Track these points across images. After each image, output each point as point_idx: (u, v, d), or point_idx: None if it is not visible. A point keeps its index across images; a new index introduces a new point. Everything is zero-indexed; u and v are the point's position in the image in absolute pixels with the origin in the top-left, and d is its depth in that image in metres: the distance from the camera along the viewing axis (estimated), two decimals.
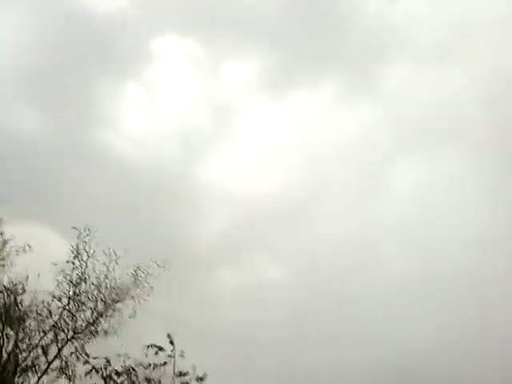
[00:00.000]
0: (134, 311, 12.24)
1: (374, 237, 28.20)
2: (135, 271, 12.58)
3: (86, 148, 25.71)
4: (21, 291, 12.00)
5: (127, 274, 12.44)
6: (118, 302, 12.46)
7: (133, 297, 12.40)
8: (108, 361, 12.65)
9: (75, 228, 12.48)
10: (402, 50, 31.66)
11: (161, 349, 12.93)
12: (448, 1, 30.38)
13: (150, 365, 12.96)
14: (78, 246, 12.50)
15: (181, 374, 13.03)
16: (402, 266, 26.04)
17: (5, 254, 11.72)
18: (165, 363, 13.02)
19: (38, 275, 11.74)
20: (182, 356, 12.79)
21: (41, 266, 11.46)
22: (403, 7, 30.25)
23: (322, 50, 31.34)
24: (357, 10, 31.13)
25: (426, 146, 30.57)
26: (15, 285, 11.99)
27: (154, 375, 12.94)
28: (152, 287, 12.47)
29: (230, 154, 32.15)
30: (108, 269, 12.39)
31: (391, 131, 30.69)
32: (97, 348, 12.21)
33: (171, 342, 12.92)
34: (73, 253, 12.45)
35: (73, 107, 26.56)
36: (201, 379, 13.29)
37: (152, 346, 12.92)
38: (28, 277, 11.91)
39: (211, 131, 31.80)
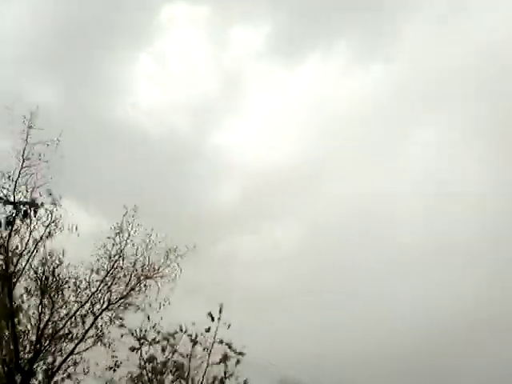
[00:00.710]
0: (171, 289, 12.89)
1: (388, 202, 28.27)
2: (167, 252, 13.15)
3: (100, 120, 25.70)
4: (58, 263, 12.54)
5: (157, 252, 13.08)
6: (149, 278, 13.08)
7: (163, 276, 13.04)
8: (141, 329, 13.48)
9: (124, 206, 12.96)
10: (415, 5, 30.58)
11: (213, 318, 13.71)
12: None
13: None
14: (122, 223, 13.05)
15: (223, 342, 13.80)
16: (417, 231, 26.25)
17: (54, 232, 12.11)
18: (209, 328, 13.92)
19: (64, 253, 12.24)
20: (228, 327, 13.63)
21: (77, 241, 12.04)
22: None
23: (334, 10, 30.40)
24: None
25: (442, 106, 30.02)
26: (53, 256, 12.49)
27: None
28: (181, 269, 13.07)
29: (242, 121, 31.91)
30: (143, 246, 13.00)
31: (406, 91, 30.12)
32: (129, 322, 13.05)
33: (220, 311, 13.72)
34: (115, 229, 12.99)
35: (85, 80, 26.34)
36: (240, 353, 14.04)
37: (208, 314, 13.86)
38: (64, 250, 12.48)
39: (222, 100, 31.49)
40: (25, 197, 12.35)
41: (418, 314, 21.47)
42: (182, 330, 14.20)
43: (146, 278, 13.06)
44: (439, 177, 27.07)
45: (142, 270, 13.09)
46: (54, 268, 12.64)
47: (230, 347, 14.03)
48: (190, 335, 14.19)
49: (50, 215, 12.39)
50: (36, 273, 12.42)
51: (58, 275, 12.55)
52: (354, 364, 20.08)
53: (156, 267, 13.15)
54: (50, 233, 12.44)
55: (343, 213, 28.03)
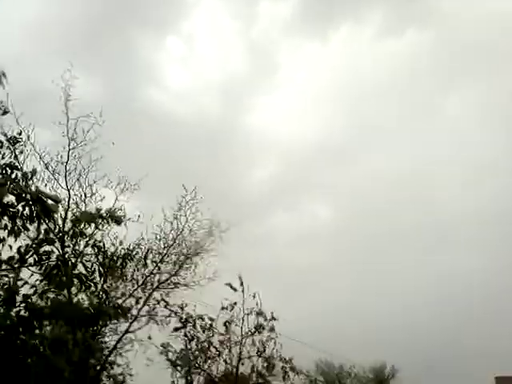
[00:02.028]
0: (215, 269, 13.04)
1: (427, 172, 27.71)
2: (210, 227, 13.37)
3: (133, 105, 25.92)
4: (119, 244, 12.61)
5: (201, 229, 13.23)
6: (196, 255, 13.36)
7: (207, 251, 13.21)
8: (182, 307, 13.74)
9: (184, 187, 13.07)
10: None
11: (234, 289, 13.92)
12: None
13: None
14: (180, 205, 13.18)
15: (258, 314, 13.97)
16: (459, 200, 25.63)
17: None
18: (235, 303, 14.07)
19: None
20: (253, 297, 13.71)
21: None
22: None
23: None
24: None
25: (477, 75, 28.86)
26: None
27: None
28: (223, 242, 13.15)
29: (274, 98, 31.54)
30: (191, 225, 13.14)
31: (442, 59, 28.98)
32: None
33: (241, 283, 13.86)
34: (175, 212, 13.12)
35: (115, 67, 26.57)
36: (274, 318, 14.18)
37: (228, 284, 14.08)
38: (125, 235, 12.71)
39: (253, 78, 31.15)
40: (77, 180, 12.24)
41: (459, 286, 21.08)
42: (223, 308, 14.36)
43: (193, 255, 13.32)
44: (477, 143, 26.00)
45: (190, 248, 13.36)
46: (116, 249, 12.85)
47: (259, 315, 14.08)
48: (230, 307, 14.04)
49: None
50: (98, 253, 12.61)
51: (119, 256, 12.81)
52: (391, 345, 20.04)
53: (201, 244, 13.39)
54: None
55: (380, 185, 27.48)
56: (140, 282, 12.68)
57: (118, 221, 10.95)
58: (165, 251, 12.93)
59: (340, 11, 29.65)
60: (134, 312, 12.84)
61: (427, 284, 22.69)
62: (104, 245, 11.93)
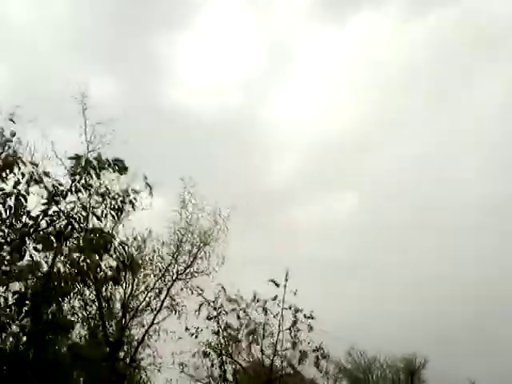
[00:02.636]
0: (223, 256, 13.34)
1: (449, 160, 27.02)
2: (213, 216, 13.75)
3: (152, 104, 26.41)
4: (142, 242, 13.31)
5: (209, 219, 13.63)
6: (206, 244, 13.73)
7: (216, 239, 13.48)
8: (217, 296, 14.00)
9: (181, 179, 13.49)
10: None
11: (277, 284, 14.10)
12: None
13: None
14: (184, 196, 13.62)
15: (296, 311, 14.08)
16: (479, 190, 24.99)
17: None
18: (275, 297, 14.37)
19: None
20: (295, 294, 13.91)
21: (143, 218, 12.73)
22: None
23: None
24: None
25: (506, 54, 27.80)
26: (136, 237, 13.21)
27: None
28: (228, 229, 13.49)
29: (293, 91, 31.34)
30: (199, 215, 13.57)
31: (469, 41, 28.03)
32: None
33: (286, 279, 14.07)
34: (181, 202, 13.58)
35: (136, 67, 27.20)
36: (311, 317, 14.19)
37: (271, 280, 14.28)
38: (150, 231, 13.21)
39: (272, 69, 31.06)
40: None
41: (479, 274, 20.53)
42: (254, 298, 14.55)
43: (204, 244, 13.69)
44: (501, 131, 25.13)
45: (200, 239, 13.77)
46: (138, 246, 13.31)
47: (297, 311, 14.18)
48: (263, 302, 14.38)
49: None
50: (120, 252, 13.07)
51: (141, 252, 13.29)
52: (419, 336, 19.74)
53: (209, 233, 13.76)
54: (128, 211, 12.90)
55: (401, 178, 26.99)
56: (160, 275, 13.13)
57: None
58: (178, 242, 13.42)
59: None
60: (156, 304, 13.31)
61: (454, 271, 22.06)
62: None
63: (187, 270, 13.56)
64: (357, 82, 30.05)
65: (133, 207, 11.88)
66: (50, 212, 9.48)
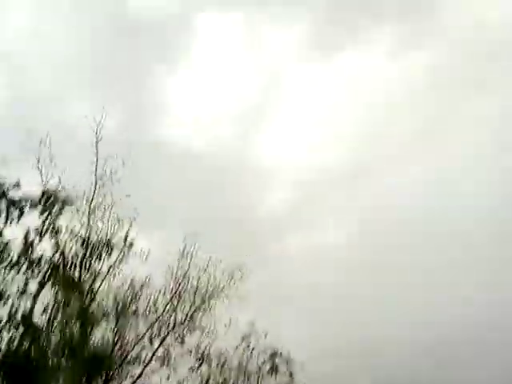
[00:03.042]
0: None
1: (440, 192, 26.99)
2: (232, 271, 13.02)
3: (146, 139, 25.87)
4: (139, 289, 12.63)
5: (221, 271, 12.85)
6: (213, 298, 12.94)
7: (227, 295, 12.73)
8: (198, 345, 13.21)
9: (185, 233, 12.98)
10: None
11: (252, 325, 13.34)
12: None
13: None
14: (185, 247, 13.10)
15: (272, 356, 13.39)
16: (472, 222, 24.91)
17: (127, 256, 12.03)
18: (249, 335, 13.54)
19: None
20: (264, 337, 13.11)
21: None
22: None
23: (369, 3, 29.29)
24: None
25: (491, 87, 28.27)
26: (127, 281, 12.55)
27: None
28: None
29: (285, 123, 31.38)
30: (205, 266, 12.77)
31: (456, 72, 28.54)
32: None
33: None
34: (180, 253, 13.05)
35: (130, 99, 26.78)
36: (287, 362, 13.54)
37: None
38: (148, 277, 12.51)
39: (264, 102, 31.09)
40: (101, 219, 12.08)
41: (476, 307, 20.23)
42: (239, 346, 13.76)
43: (210, 297, 12.87)
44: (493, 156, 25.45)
45: (206, 291, 12.95)
46: (130, 293, 12.56)
47: (275, 355, 13.46)
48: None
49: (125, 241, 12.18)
50: (112, 298, 12.31)
51: (133, 300, 12.49)
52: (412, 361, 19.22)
53: (221, 286, 12.95)
54: (123, 257, 12.22)
55: (394, 206, 26.89)
56: (152, 324, 12.28)
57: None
58: (176, 291, 12.62)
59: (350, 32, 29.58)
60: (147, 354, 12.44)
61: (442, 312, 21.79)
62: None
63: (185, 322, 12.80)
64: (345, 117, 30.31)
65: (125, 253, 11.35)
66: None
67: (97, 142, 11.60)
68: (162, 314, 12.57)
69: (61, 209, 10.94)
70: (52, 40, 25.17)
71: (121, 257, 11.63)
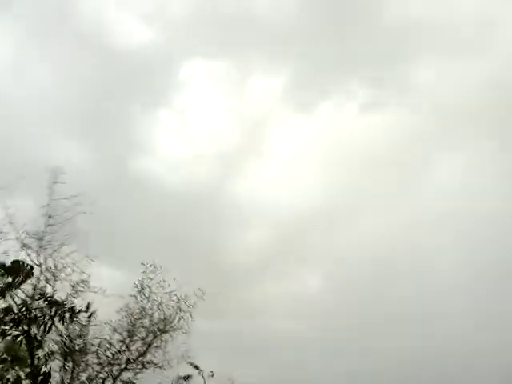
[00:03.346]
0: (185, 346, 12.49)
1: (417, 236, 27.67)
2: (178, 302, 12.88)
3: (125, 176, 26.56)
4: (86, 323, 12.41)
5: (172, 305, 12.80)
6: (164, 332, 12.81)
7: (176, 328, 12.68)
8: None
9: (143, 264, 12.88)
10: (430, 41, 31.07)
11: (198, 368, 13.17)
12: None
13: None
14: (142, 281, 12.90)
15: None
16: (450, 265, 25.42)
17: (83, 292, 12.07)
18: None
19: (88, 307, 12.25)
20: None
21: (97, 297, 12.09)
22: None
23: (349, 53, 31.18)
24: (377, 6, 30.90)
25: (463, 139, 29.78)
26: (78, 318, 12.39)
27: None
28: (193, 318, 12.70)
29: (264, 167, 32.33)
30: (161, 301, 12.81)
31: (428, 126, 30.15)
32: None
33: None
34: (137, 287, 12.88)
35: (109, 138, 27.64)
36: None
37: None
38: (94, 312, 12.38)
39: (244, 147, 32.19)
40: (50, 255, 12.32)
41: (452, 349, 20.16)
42: None
43: (162, 332, 12.78)
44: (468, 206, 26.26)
45: (158, 325, 12.86)
46: (79, 330, 12.52)
47: None
48: None
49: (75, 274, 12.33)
50: (61, 335, 12.31)
51: (83, 337, 12.43)
52: None
53: (170, 320, 12.87)
54: (76, 292, 12.35)
55: (374, 251, 27.29)
56: (105, 364, 12.14)
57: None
58: (131, 328, 12.52)
59: (326, 84, 31.24)
60: None
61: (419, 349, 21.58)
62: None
63: (139, 360, 12.55)
64: (324, 162, 31.39)
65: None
66: None
67: (54, 182, 11.92)
68: (117, 352, 12.44)
69: None
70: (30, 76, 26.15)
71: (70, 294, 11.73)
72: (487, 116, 27.88)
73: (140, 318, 12.73)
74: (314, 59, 30.70)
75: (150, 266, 12.88)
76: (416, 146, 29.16)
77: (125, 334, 12.63)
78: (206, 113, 31.59)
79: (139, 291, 12.85)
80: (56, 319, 11.76)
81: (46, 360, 11.99)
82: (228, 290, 21.84)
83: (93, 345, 12.40)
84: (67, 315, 12.04)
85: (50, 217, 12.16)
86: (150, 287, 12.87)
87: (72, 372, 11.91)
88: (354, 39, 30.06)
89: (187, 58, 30.52)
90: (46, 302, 11.66)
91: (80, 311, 12.15)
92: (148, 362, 12.55)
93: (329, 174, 30.17)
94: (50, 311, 11.63)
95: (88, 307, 12.31)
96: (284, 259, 27.18)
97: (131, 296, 12.83)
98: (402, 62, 30.28)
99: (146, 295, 12.87)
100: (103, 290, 11.94)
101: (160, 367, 12.53)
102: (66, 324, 12.02)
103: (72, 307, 12.05)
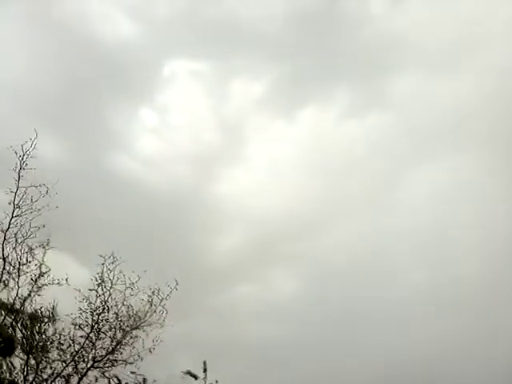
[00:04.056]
0: (157, 340, 12.21)
1: (387, 247, 28.15)
2: (150, 296, 12.56)
3: (103, 172, 26.11)
4: (46, 320, 12.01)
5: (143, 299, 12.50)
6: (135, 328, 12.45)
7: (150, 323, 12.39)
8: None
9: (101, 255, 12.45)
10: (409, 57, 31.88)
11: (195, 377, 12.89)
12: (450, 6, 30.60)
13: None
14: (102, 273, 12.48)
15: None
16: (414, 274, 25.92)
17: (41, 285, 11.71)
18: None
19: (55, 303, 11.94)
20: None
21: (62, 294, 11.66)
22: (408, 15, 30.63)
23: (330, 64, 31.63)
24: (360, 20, 31.59)
25: (438, 154, 30.54)
26: (40, 313, 12.01)
27: None
28: (167, 311, 12.41)
29: (242, 171, 32.32)
30: (125, 295, 12.44)
31: (403, 140, 30.80)
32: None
33: (205, 370, 12.87)
34: (97, 280, 12.43)
35: (87, 133, 27.14)
36: None
37: (188, 373, 12.91)
38: (55, 306, 11.98)
39: (223, 150, 32.11)
40: (13, 248, 12.06)
41: (417, 362, 20.47)
42: None
43: (132, 328, 12.42)
44: (438, 220, 27.00)
45: (128, 321, 12.47)
46: (40, 325, 12.09)
47: None
48: None
49: (39, 268, 12.03)
50: (22, 331, 11.87)
51: (45, 333, 11.99)
52: None
53: (141, 316, 12.52)
54: (38, 287, 12.02)
55: (343, 260, 27.63)
56: (68, 362, 11.71)
57: None
58: (96, 325, 12.11)
59: (308, 93, 31.63)
60: None
61: (391, 359, 21.84)
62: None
63: (107, 358, 12.11)
64: (302, 169, 31.71)
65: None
66: None
67: (20, 169, 11.56)
68: (80, 349, 12.01)
69: None
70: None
71: (33, 288, 11.37)
72: (462, 131, 28.84)
73: (102, 313, 12.31)
74: (296, 67, 31.08)
75: (110, 257, 12.42)
76: (392, 156, 29.82)
77: (87, 329, 12.19)
78: (187, 113, 31.43)
79: (99, 284, 12.42)
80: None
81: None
82: (200, 292, 21.64)
83: (54, 341, 11.96)
84: (28, 322, 11.62)
85: (17, 207, 11.80)
86: (111, 280, 12.45)
87: (36, 369, 11.47)
88: (336, 51, 30.64)
89: (171, 57, 30.35)
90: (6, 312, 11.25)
91: (42, 315, 11.72)
92: (116, 360, 12.20)
93: (305, 181, 30.44)
94: (11, 322, 11.25)
95: (54, 308, 11.93)
96: (258, 264, 27.14)
97: (91, 290, 12.42)
98: (382, 75, 31.02)
99: (108, 289, 12.45)
100: (66, 283, 11.60)
101: (130, 363, 12.16)
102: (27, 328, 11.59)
103: (33, 313, 11.66)
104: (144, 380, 12.28)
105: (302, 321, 23.74)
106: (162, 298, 12.57)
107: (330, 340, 22.34)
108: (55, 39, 27.27)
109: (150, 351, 12.31)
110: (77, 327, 12.15)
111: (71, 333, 12.09)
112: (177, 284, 12.46)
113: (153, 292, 12.56)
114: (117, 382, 12.16)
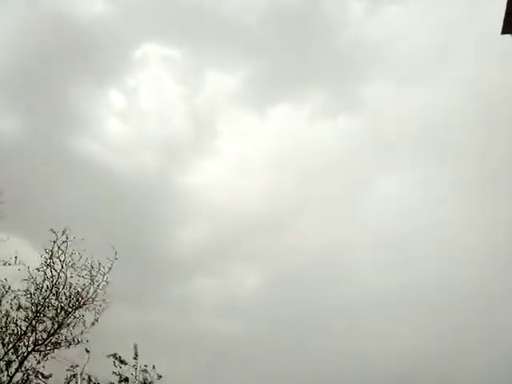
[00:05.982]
0: (96, 319, 11.76)
1: (349, 248, 28.34)
2: (90, 270, 12.09)
3: (64, 154, 25.27)
4: None
5: (83, 276, 11.99)
6: (78, 308, 11.97)
7: (93, 300, 11.93)
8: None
9: (52, 231, 11.85)
10: (382, 66, 32.32)
11: (123, 361, 12.48)
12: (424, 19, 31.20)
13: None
14: (52, 252, 11.89)
15: None
16: (375, 277, 26.18)
17: None
18: (126, 379, 12.47)
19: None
20: (145, 371, 12.39)
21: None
22: (384, 25, 31.05)
23: (306, 64, 31.71)
24: (338, 25, 31.76)
25: (404, 158, 31.03)
26: None
27: None
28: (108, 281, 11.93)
29: (211, 163, 31.95)
30: (66, 275, 11.93)
31: (371, 144, 31.17)
32: (60, 361, 11.75)
33: (136, 355, 12.50)
34: (46, 261, 11.89)
35: (51, 112, 26.14)
36: None
37: (114, 356, 12.47)
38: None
39: (192, 140, 31.67)
40: None
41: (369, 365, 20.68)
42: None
43: (76, 308, 11.96)
44: (401, 227, 27.49)
45: (70, 302, 12.01)
46: None
47: None
48: None
49: None
50: None
51: None
52: None
53: (84, 295, 12.07)
54: None
55: (305, 260, 27.71)
56: (10, 347, 11.08)
57: None
58: (39, 307, 11.57)
59: (281, 91, 31.60)
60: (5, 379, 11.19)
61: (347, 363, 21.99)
62: None
63: (48, 340, 11.61)
64: (270, 166, 31.68)
65: None
66: None
67: None
68: (21, 333, 11.40)
69: None
70: None
71: None
72: (429, 138, 29.48)
73: (47, 297, 11.82)
74: (272, 64, 31.00)
75: (62, 235, 11.89)
76: (361, 158, 30.17)
77: (30, 312, 11.68)
78: (157, 98, 30.76)
79: (48, 265, 11.89)
80: None
81: None
82: (160, 282, 21.25)
83: None
84: None
85: None
86: (61, 261, 11.92)
87: None
88: (313, 52, 30.76)
89: (145, 40, 29.61)
90: None
91: None
92: (58, 343, 11.66)
93: (274, 178, 30.40)
94: None
95: None
96: (221, 258, 26.89)
97: (38, 270, 11.87)
98: (355, 80, 31.34)
99: (57, 272, 11.91)
100: (15, 263, 11.03)
101: (71, 344, 11.62)
102: None
103: None
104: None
105: (257, 318, 23.66)
106: (104, 273, 12.20)
107: (283, 339, 22.30)
108: (20, 11, 26.12)
109: (94, 324, 11.80)
110: (21, 309, 11.50)
111: (14, 315, 11.45)
112: (116, 254, 12.07)
113: (92, 266, 12.12)
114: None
